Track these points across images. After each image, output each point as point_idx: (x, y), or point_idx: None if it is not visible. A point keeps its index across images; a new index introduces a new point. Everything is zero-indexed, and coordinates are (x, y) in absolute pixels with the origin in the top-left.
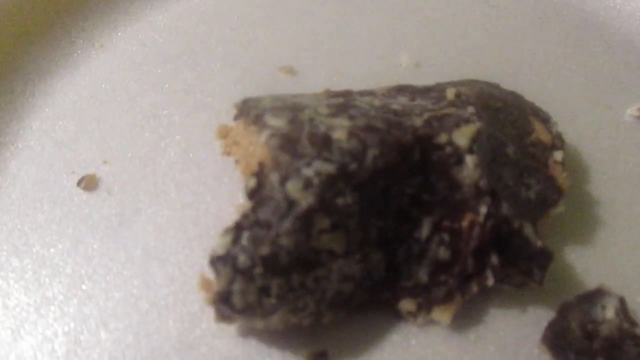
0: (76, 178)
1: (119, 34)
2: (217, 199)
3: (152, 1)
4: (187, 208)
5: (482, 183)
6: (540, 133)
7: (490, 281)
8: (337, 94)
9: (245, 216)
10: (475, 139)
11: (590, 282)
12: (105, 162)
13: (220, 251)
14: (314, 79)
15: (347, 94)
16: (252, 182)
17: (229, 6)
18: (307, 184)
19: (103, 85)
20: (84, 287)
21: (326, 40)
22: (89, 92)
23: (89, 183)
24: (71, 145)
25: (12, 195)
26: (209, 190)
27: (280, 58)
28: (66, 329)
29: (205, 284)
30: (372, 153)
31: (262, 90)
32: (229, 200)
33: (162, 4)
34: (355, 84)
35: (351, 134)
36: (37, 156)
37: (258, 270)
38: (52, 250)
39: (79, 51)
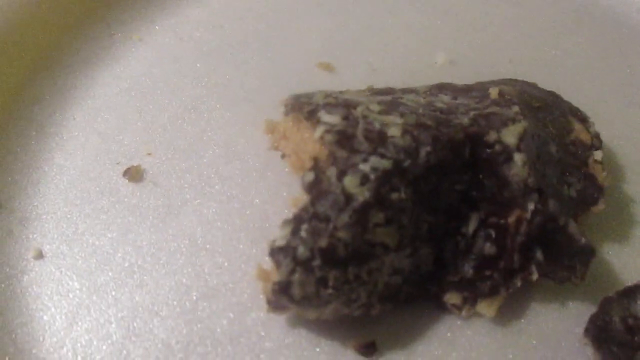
0: (121, 169)
1: (157, 27)
2: (262, 192)
3: None
4: (232, 200)
5: (530, 181)
6: (580, 132)
7: (535, 276)
8: (380, 91)
9: (304, 209)
10: (522, 138)
11: (630, 277)
12: (149, 153)
13: (281, 242)
14: (351, 76)
15: (390, 91)
16: (310, 176)
17: (266, 2)
18: (364, 179)
19: (142, 78)
20: (135, 276)
21: (363, 37)
22: (129, 84)
23: (134, 174)
24: (114, 136)
25: (59, 184)
26: (253, 183)
27: (317, 54)
28: (119, 315)
29: (263, 274)
30: (425, 150)
31: (301, 85)
32: (273, 193)
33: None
34: (392, 82)
35: (405, 130)
36: (82, 147)
37: (317, 262)
38: (101, 239)
39: (118, 44)
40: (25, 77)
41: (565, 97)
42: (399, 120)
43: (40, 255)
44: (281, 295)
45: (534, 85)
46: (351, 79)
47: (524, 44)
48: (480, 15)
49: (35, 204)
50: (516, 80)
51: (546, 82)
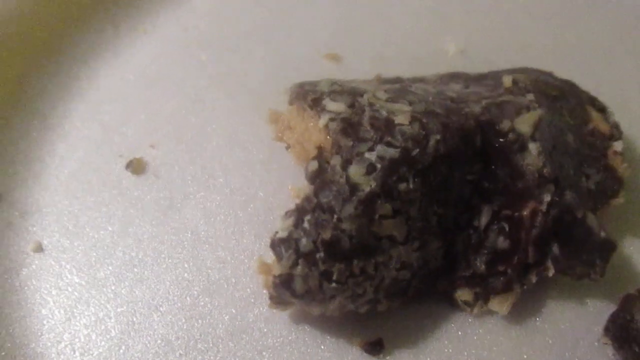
0: (124, 161)
1: (161, 19)
2: (265, 184)
3: None
4: (236, 193)
5: (546, 171)
6: (598, 123)
7: (551, 272)
8: (388, 80)
9: (307, 199)
10: (537, 126)
11: None
12: (151, 146)
13: (283, 234)
14: (359, 66)
15: (399, 80)
16: (313, 166)
17: None
18: (370, 169)
19: (147, 70)
20: (135, 270)
21: (371, 26)
22: (133, 76)
23: (137, 167)
24: (117, 128)
25: (60, 176)
26: (257, 175)
27: (324, 44)
28: (119, 310)
29: (264, 267)
30: (434, 138)
31: (306, 75)
32: (277, 185)
33: None
34: (401, 71)
35: (413, 118)
36: (84, 139)
37: (320, 254)
38: (102, 232)
39: (123, 36)
40: (28, 68)
41: (583, 86)
42: (407, 108)
43: (39, 249)
44: (283, 289)
45: (549, 74)
46: (359, 69)
47: (537, 31)
48: (491, 2)
49: (35, 196)
50: (531, 69)
51: (562, 70)
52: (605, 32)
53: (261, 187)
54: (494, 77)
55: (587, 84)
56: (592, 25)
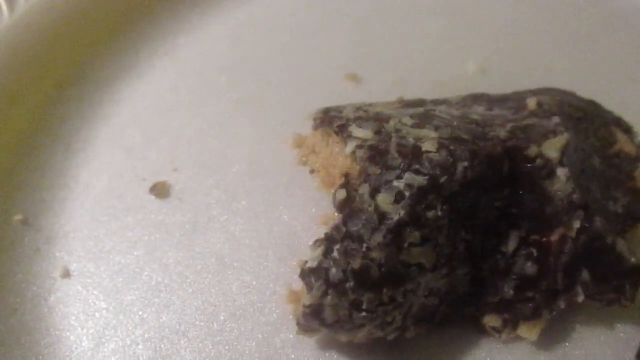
0: (147, 185)
1: (182, 42)
2: (289, 208)
3: (213, 10)
4: (259, 217)
5: (575, 197)
6: (624, 144)
7: (581, 298)
8: (411, 103)
9: (335, 228)
10: (565, 151)
11: None
12: (174, 169)
13: (312, 264)
14: (379, 87)
15: (421, 102)
16: (341, 194)
17: (290, 14)
18: (399, 197)
19: (168, 94)
20: (161, 294)
21: (390, 47)
22: (154, 100)
23: (160, 190)
24: (140, 152)
25: (85, 202)
26: (280, 199)
27: (343, 65)
28: (146, 336)
29: (292, 296)
30: (462, 165)
31: (327, 98)
32: (301, 210)
33: (222, 13)
34: (421, 92)
35: (440, 145)
36: (108, 164)
37: (350, 284)
38: (128, 256)
39: (143, 60)
40: (51, 95)
41: (606, 106)
42: (433, 134)
43: (67, 274)
44: (313, 319)
45: (572, 94)
46: (379, 91)
47: (559, 50)
48: (511, 21)
49: (61, 221)
50: (553, 89)
51: (585, 89)
52: (629, 49)
53: (284, 211)
54: (516, 99)
55: (611, 103)
56: (614, 43)
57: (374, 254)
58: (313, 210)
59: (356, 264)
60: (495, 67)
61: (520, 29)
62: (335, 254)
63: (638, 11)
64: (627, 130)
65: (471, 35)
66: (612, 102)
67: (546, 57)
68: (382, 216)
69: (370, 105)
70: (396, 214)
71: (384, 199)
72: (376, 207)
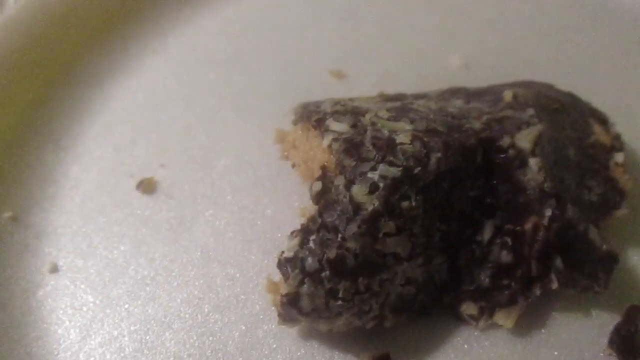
0: (135, 181)
1: (170, 40)
2: (274, 202)
3: (202, 7)
4: (244, 211)
5: (547, 186)
6: (599, 135)
7: (555, 285)
8: (391, 97)
9: (312, 219)
10: (538, 142)
11: None
12: (162, 165)
13: (289, 254)
14: (364, 82)
15: (401, 97)
16: (318, 186)
17: (277, 10)
18: (373, 188)
19: (157, 91)
20: (147, 288)
21: (375, 42)
22: (143, 97)
23: (147, 186)
24: (129, 149)
25: (74, 198)
26: (265, 193)
27: (329, 61)
28: (132, 328)
29: (272, 286)
30: (435, 156)
31: (313, 93)
32: (285, 203)
33: (211, 10)
34: (405, 87)
35: (414, 137)
36: (97, 160)
37: (326, 273)
38: (115, 252)
39: (133, 57)
40: (41, 92)
41: (584, 98)
42: (408, 127)
43: (55, 269)
44: (290, 308)
45: (550, 87)
46: (363, 85)
47: (540, 44)
48: (494, 15)
49: (50, 217)
50: (532, 82)
51: (564, 82)
52: (607, 44)
53: (269, 205)
54: (494, 92)
55: (588, 95)
56: (593, 37)
57: (350, 244)
58: (296, 204)
59: (332, 253)
60: (478, 61)
61: (503, 24)
62: (311, 244)
63: (619, 5)
64: (603, 121)
65: (456, 31)
66: (590, 94)
67: (529, 51)
68: (357, 207)
69: (350, 99)
70: (370, 204)
71: (358, 190)
72: (351, 199)
